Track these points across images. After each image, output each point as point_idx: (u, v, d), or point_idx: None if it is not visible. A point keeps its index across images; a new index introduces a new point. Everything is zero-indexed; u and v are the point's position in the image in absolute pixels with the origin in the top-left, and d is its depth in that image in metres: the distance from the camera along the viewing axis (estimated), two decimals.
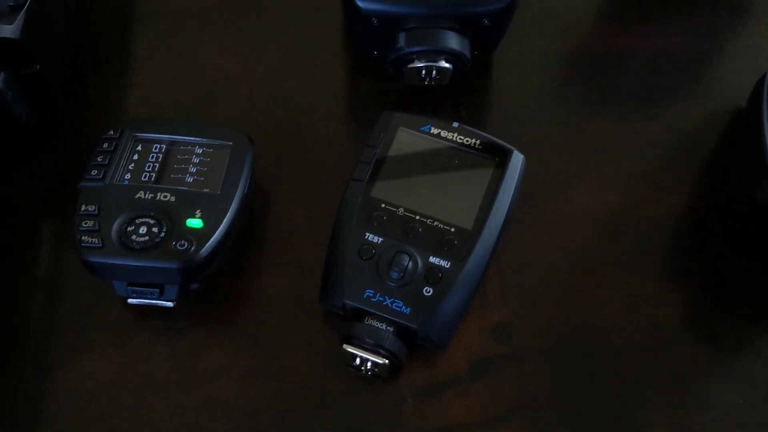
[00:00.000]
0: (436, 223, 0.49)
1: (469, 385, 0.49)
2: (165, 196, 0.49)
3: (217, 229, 0.48)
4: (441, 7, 0.53)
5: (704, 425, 0.48)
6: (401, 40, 0.54)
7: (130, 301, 0.49)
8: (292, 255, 0.53)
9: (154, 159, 0.51)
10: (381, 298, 0.47)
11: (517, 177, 0.51)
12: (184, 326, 0.51)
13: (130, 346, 0.50)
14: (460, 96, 0.59)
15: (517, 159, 0.51)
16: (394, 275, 0.47)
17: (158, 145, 0.51)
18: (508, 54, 0.61)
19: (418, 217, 0.49)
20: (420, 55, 0.54)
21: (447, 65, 0.54)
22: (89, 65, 0.61)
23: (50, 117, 0.58)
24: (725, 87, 0.60)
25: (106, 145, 0.51)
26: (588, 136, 0.58)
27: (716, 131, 0.59)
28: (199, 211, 0.48)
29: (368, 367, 0.48)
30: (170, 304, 0.49)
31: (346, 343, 0.47)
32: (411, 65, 0.54)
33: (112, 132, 0.51)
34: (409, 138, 0.52)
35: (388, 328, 0.47)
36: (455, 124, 0.52)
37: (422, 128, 0.52)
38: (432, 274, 0.48)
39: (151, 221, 0.48)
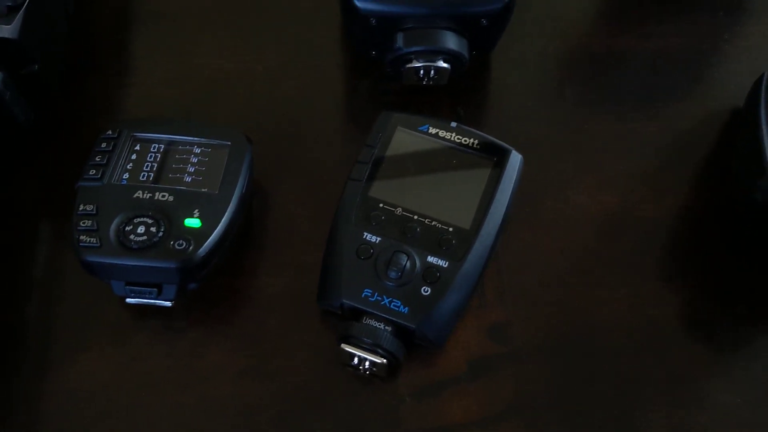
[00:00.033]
0: (434, 222, 0.49)
1: (467, 385, 0.49)
2: (163, 196, 0.49)
3: (215, 229, 0.48)
4: (439, 7, 0.53)
5: (703, 425, 0.48)
6: (399, 40, 0.54)
7: (128, 300, 0.49)
8: (290, 255, 0.53)
9: (152, 159, 0.51)
10: (379, 298, 0.47)
11: (515, 177, 0.51)
12: (182, 326, 0.51)
13: (129, 346, 0.50)
14: (458, 96, 0.59)
15: (515, 159, 0.51)
16: (392, 275, 0.47)
17: (156, 145, 0.51)
18: (506, 54, 0.61)
19: (416, 217, 0.49)
20: (418, 55, 0.54)
21: (445, 65, 0.54)
22: (88, 65, 0.61)
23: (49, 117, 0.58)
24: (724, 87, 0.60)
25: (104, 144, 0.51)
26: (586, 136, 0.58)
27: (715, 131, 0.59)
28: (197, 210, 0.48)
29: (366, 367, 0.48)
30: (168, 303, 0.49)
31: (344, 343, 0.47)
32: (409, 65, 0.54)
33: (110, 132, 0.51)
34: (407, 138, 0.52)
35: (386, 327, 0.47)
36: (453, 124, 0.52)
37: (420, 128, 0.52)
38: (430, 274, 0.48)
39: (149, 221, 0.48)
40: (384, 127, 0.52)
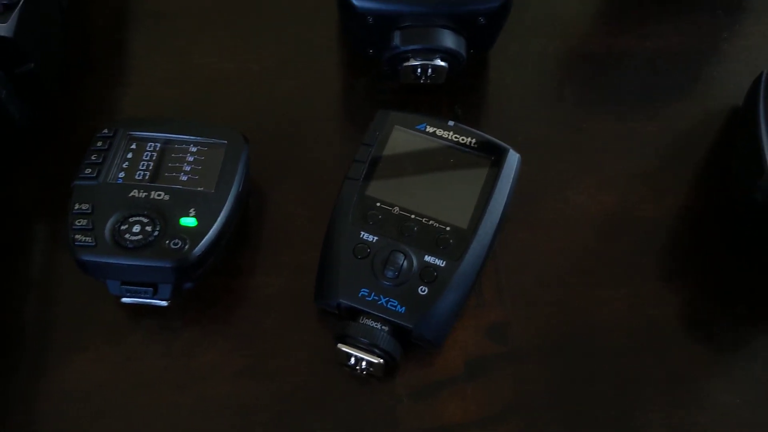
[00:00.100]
0: (431, 222, 0.49)
1: (466, 385, 0.49)
2: (159, 195, 0.49)
3: (211, 228, 0.48)
4: (436, 5, 0.53)
5: (703, 425, 0.48)
6: (396, 38, 0.54)
7: (123, 300, 0.49)
8: (287, 254, 0.53)
9: (148, 158, 0.51)
10: (376, 297, 0.47)
11: (512, 176, 0.51)
12: (178, 325, 0.51)
13: (124, 346, 0.50)
14: (456, 95, 0.59)
15: (513, 158, 0.51)
16: (389, 274, 0.47)
17: (152, 144, 0.51)
18: (505, 53, 0.61)
19: (413, 216, 0.49)
20: (415, 54, 0.54)
21: (442, 64, 0.54)
22: (85, 64, 0.61)
23: (46, 116, 0.58)
24: (723, 87, 0.60)
25: (100, 143, 0.51)
26: (586, 136, 0.58)
27: (714, 131, 0.58)
28: (193, 209, 0.48)
29: (363, 367, 0.47)
30: (164, 303, 0.49)
31: (341, 343, 0.47)
32: (406, 64, 0.54)
33: (106, 130, 0.51)
34: (404, 137, 0.52)
35: (383, 327, 0.47)
36: (451, 123, 0.52)
37: (417, 127, 0.52)
38: (427, 273, 0.47)
39: (145, 220, 0.48)
40: (381, 126, 0.52)
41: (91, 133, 0.52)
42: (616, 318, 0.51)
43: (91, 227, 0.47)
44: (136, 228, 0.47)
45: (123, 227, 0.47)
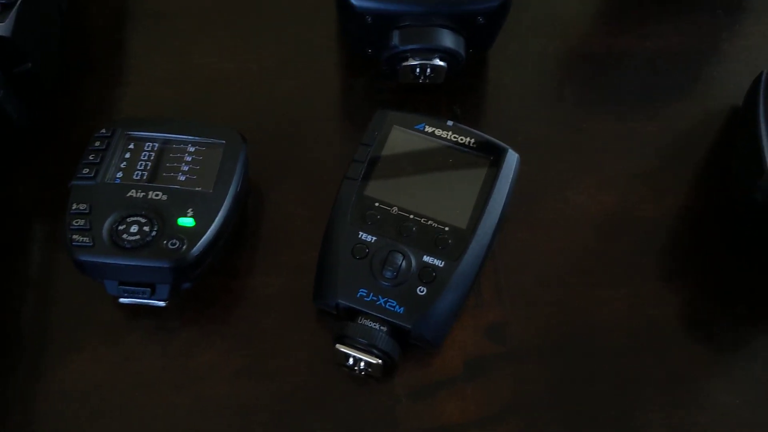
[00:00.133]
0: (430, 222, 0.49)
1: (464, 385, 0.49)
2: (157, 195, 0.49)
3: (208, 228, 0.48)
4: (435, 4, 0.53)
5: (703, 425, 0.48)
6: (395, 38, 0.54)
7: (121, 300, 0.49)
8: (285, 254, 0.53)
9: (146, 157, 0.50)
10: (374, 298, 0.47)
11: (511, 176, 0.51)
12: (175, 325, 0.51)
13: (122, 346, 0.50)
14: (455, 94, 0.59)
15: (512, 158, 0.51)
16: (388, 274, 0.47)
17: (150, 144, 0.51)
18: (504, 53, 0.61)
19: (412, 216, 0.49)
20: (414, 53, 0.54)
21: (441, 63, 0.54)
22: (85, 64, 0.61)
23: (44, 116, 0.58)
24: (723, 87, 0.60)
25: (98, 143, 0.51)
26: (585, 136, 0.58)
27: (714, 131, 0.58)
28: (191, 209, 0.48)
29: (361, 367, 0.47)
30: (162, 303, 0.49)
31: (339, 343, 0.47)
32: (405, 63, 0.54)
33: (104, 130, 0.51)
34: (403, 136, 0.52)
35: (382, 327, 0.47)
36: (450, 123, 0.52)
37: (416, 126, 0.52)
38: (426, 274, 0.47)
39: (143, 220, 0.47)
40: (380, 126, 0.52)
41: (90, 132, 0.52)
42: (615, 318, 0.51)
43: (88, 227, 0.47)
44: (134, 228, 0.47)
45: (121, 227, 0.47)
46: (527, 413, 0.48)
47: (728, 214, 0.55)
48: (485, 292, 0.52)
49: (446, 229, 0.49)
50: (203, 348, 0.50)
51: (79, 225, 0.47)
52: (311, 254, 0.50)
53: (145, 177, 0.50)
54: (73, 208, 0.48)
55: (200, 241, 0.47)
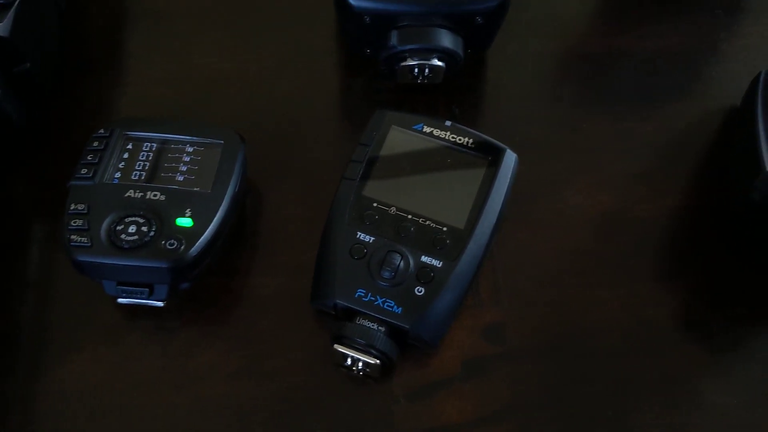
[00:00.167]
0: (428, 222, 0.49)
1: (462, 385, 0.49)
2: (155, 195, 0.49)
3: (207, 228, 0.48)
4: (434, 4, 0.53)
5: (698, 426, 0.48)
6: (393, 38, 0.54)
7: (119, 300, 0.49)
8: (284, 255, 0.53)
9: (144, 158, 0.51)
10: (372, 298, 0.47)
11: (509, 176, 0.51)
12: (174, 326, 0.51)
13: (122, 346, 0.50)
14: (453, 95, 0.59)
15: (510, 158, 0.51)
16: (386, 275, 0.47)
17: (149, 144, 0.51)
18: (503, 53, 0.61)
19: (410, 217, 0.49)
20: (412, 54, 0.54)
21: (439, 63, 0.54)
22: (83, 64, 0.61)
23: (42, 116, 0.58)
24: (721, 87, 0.60)
25: (96, 143, 0.51)
26: (583, 136, 0.58)
27: (712, 131, 0.58)
28: (189, 210, 0.48)
29: (359, 368, 0.47)
30: (160, 303, 0.49)
31: (337, 343, 0.47)
32: (403, 63, 0.54)
33: (102, 131, 0.51)
34: (401, 137, 0.52)
35: (380, 328, 0.47)
36: (448, 123, 0.52)
37: (415, 127, 0.52)
38: (424, 274, 0.47)
39: (141, 220, 0.48)
40: (378, 126, 0.52)
41: (88, 132, 0.52)
42: (612, 318, 0.51)
43: (86, 228, 0.47)
44: (132, 228, 0.47)
45: (119, 227, 0.47)
46: (524, 413, 0.48)
47: (725, 214, 0.55)
48: (483, 292, 0.52)
49: (444, 229, 0.49)
50: (202, 348, 0.50)
51: (77, 225, 0.47)
52: (309, 254, 0.50)
53: (143, 177, 0.50)
54: (72, 208, 0.48)
55: (198, 242, 0.47)
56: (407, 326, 0.47)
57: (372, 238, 0.48)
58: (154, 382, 0.49)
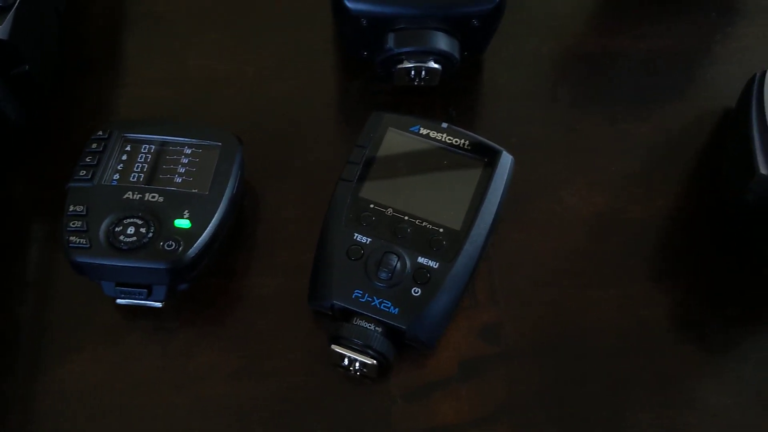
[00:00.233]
0: (424, 223, 0.49)
1: (459, 386, 0.49)
2: (153, 197, 0.49)
3: (205, 230, 0.48)
4: (430, 7, 0.53)
5: (693, 426, 0.48)
6: (390, 40, 0.54)
7: (118, 301, 0.49)
8: (281, 256, 0.53)
9: (143, 159, 0.51)
10: (369, 299, 0.47)
11: (505, 178, 0.51)
12: (173, 326, 0.51)
13: (121, 346, 0.50)
14: (450, 97, 0.59)
15: (506, 160, 0.51)
16: (383, 276, 0.47)
17: (147, 146, 0.51)
18: (499, 55, 0.61)
19: (406, 218, 0.49)
20: (409, 56, 0.54)
21: (436, 66, 0.54)
22: (82, 65, 0.61)
23: (41, 117, 0.58)
24: (716, 88, 0.60)
25: (94, 145, 0.51)
26: (578, 137, 0.58)
27: (707, 132, 0.59)
28: (187, 211, 0.48)
29: (357, 368, 0.48)
30: (158, 304, 0.49)
31: (335, 344, 0.47)
32: (400, 66, 0.54)
33: (101, 132, 0.52)
34: (398, 138, 0.52)
35: (377, 328, 0.47)
36: (444, 125, 0.52)
37: (411, 129, 0.52)
38: (420, 275, 0.48)
39: (139, 222, 0.48)
40: (375, 128, 0.52)
41: (87, 134, 0.52)
42: (607, 319, 0.51)
43: (85, 229, 0.48)
44: (131, 230, 0.48)
45: (117, 229, 0.48)
46: (521, 413, 0.49)
47: (719, 215, 0.55)
48: (479, 293, 0.52)
49: (441, 230, 0.49)
50: (202, 348, 0.50)
51: (76, 227, 0.48)
52: (307, 255, 0.50)
53: (141, 179, 0.50)
54: (70, 209, 0.48)
55: (196, 243, 0.47)
56: (404, 327, 0.47)
57: (369, 239, 0.49)
58: (154, 382, 0.49)
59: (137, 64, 0.61)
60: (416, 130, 0.52)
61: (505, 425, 0.48)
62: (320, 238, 0.50)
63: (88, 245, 0.47)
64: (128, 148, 0.51)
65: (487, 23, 0.55)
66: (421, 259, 0.48)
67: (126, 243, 0.47)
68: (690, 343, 0.51)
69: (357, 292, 0.47)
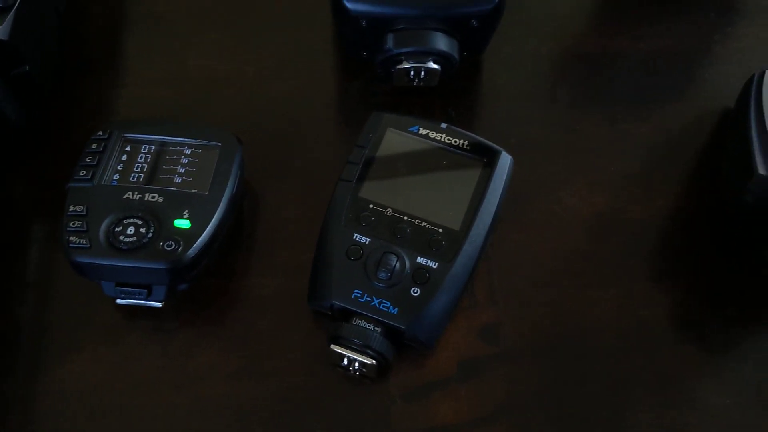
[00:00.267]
0: (424, 223, 0.49)
1: (458, 386, 0.49)
2: (153, 197, 0.49)
3: (204, 230, 0.48)
4: (429, 8, 0.53)
5: (693, 426, 0.48)
6: (389, 41, 0.54)
7: (118, 301, 0.49)
8: (281, 256, 0.53)
9: (142, 159, 0.51)
10: (369, 299, 0.47)
11: (505, 178, 0.51)
12: (173, 327, 0.51)
13: (121, 346, 0.51)
14: (449, 97, 0.59)
15: (505, 160, 0.52)
16: (382, 276, 0.48)
17: (147, 146, 0.51)
18: (498, 55, 0.61)
19: (406, 218, 0.50)
20: (408, 57, 0.54)
21: (435, 66, 0.54)
22: (80, 66, 0.61)
23: (41, 118, 0.58)
24: (715, 88, 0.60)
25: (94, 145, 0.51)
26: (578, 138, 0.58)
27: (706, 133, 0.59)
28: (186, 211, 0.48)
29: (356, 368, 0.48)
30: (158, 304, 0.49)
31: (334, 344, 0.47)
32: (399, 66, 0.54)
33: (101, 132, 0.52)
34: (397, 139, 0.52)
35: (376, 328, 0.47)
36: (443, 125, 0.52)
37: (410, 129, 0.52)
38: (420, 275, 0.48)
39: (139, 222, 0.48)
40: (374, 128, 0.52)
41: (87, 134, 0.52)
42: (607, 319, 0.51)
43: (85, 229, 0.48)
44: (131, 230, 0.48)
45: (117, 229, 0.48)
46: (520, 414, 0.49)
47: (719, 216, 0.55)
48: (478, 293, 0.52)
49: (440, 230, 0.49)
50: (201, 348, 0.50)
51: (76, 227, 0.48)
52: (307, 255, 0.50)
53: (141, 179, 0.50)
54: (70, 210, 0.48)
55: (196, 243, 0.48)
56: (403, 327, 0.47)
57: (368, 240, 0.49)
58: (154, 382, 0.49)
59: (137, 64, 0.62)
60: (415, 131, 0.52)
61: (504, 425, 0.48)
62: (320, 238, 0.50)
63: (88, 245, 0.47)
64: (128, 149, 0.51)
65: (487, 24, 0.55)
66: (420, 259, 0.48)
67: (126, 243, 0.47)
68: (690, 343, 0.51)
69: (356, 292, 0.48)
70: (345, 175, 0.51)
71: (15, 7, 0.51)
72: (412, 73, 0.55)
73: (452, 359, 0.50)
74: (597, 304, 0.52)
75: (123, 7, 0.64)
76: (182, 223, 0.48)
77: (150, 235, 0.47)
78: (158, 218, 0.48)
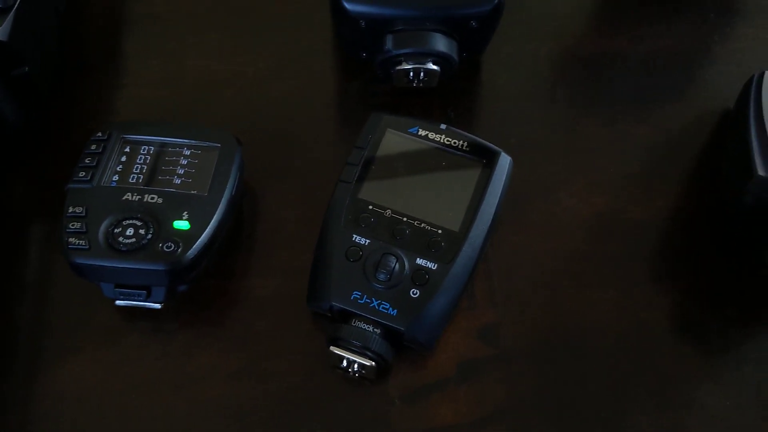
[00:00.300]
0: (423, 224, 0.49)
1: (457, 387, 0.49)
2: (152, 198, 0.49)
3: (204, 231, 0.48)
4: (428, 9, 0.53)
5: (692, 427, 0.48)
6: (389, 42, 0.54)
7: (117, 302, 0.49)
8: (280, 257, 0.53)
9: (142, 161, 0.51)
10: (368, 300, 0.47)
11: (504, 179, 0.51)
12: (172, 328, 0.51)
13: (120, 347, 0.51)
14: (448, 98, 0.59)
15: (505, 161, 0.52)
16: (381, 277, 0.48)
17: (146, 147, 0.51)
18: (498, 56, 0.61)
19: (405, 219, 0.50)
20: (407, 57, 0.54)
21: (434, 67, 0.54)
22: (80, 67, 0.61)
23: (40, 119, 0.58)
24: (715, 89, 0.60)
25: (94, 146, 0.51)
26: (577, 138, 0.58)
27: (705, 133, 0.59)
28: (186, 212, 0.48)
29: (355, 369, 0.48)
30: (158, 305, 0.49)
31: (333, 345, 0.47)
32: (399, 67, 0.54)
33: (100, 134, 0.52)
34: (396, 140, 0.52)
35: (375, 330, 0.47)
36: (443, 126, 0.52)
37: (410, 130, 0.52)
38: (419, 276, 0.48)
39: (138, 223, 0.48)
40: (374, 129, 0.52)
41: (86, 135, 0.52)
42: (606, 320, 0.51)
43: (84, 230, 0.48)
44: (130, 231, 0.48)
45: (117, 230, 0.48)
46: (519, 415, 0.49)
47: (718, 216, 0.55)
48: (478, 294, 0.52)
49: (439, 231, 0.49)
50: (201, 349, 0.50)
51: (75, 228, 0.48)
52: (307, 256, 0.50)
53: (141, 180, 0.50)
54: (70, 211, 0.48)
55: (195, 244, 0.47)
56: (402, 328, 0.47)
57: (367, 241, 0.49)
58: (154, 383, 0.49)
59: (137, 65, 0.62)
60: (415, 132, 0.52)
61: (503, 426, 0.48)
62: (319, 239, 0.50)
63: (87, 246, 0.47)
64: (127, 150, 0.51)
65: (486, 24, 0.55)
66: (419, 261, 0.48)
67: (125, 244, 0.47)
68: (689, 343, 0.51)
69: (356, 294, 0.47)
70: (344, 176, 0.51)
71: (14, 8, 0.51)
72: (411, 74, 0.55)
73: (452, 360, 0.50)
74: (596, 304, 0.52)
75: (122, 8, 0.64)
76: (182, 224, 0.48)
77: (149, 236, 0.47)
78: (157, 219, 0.48)
